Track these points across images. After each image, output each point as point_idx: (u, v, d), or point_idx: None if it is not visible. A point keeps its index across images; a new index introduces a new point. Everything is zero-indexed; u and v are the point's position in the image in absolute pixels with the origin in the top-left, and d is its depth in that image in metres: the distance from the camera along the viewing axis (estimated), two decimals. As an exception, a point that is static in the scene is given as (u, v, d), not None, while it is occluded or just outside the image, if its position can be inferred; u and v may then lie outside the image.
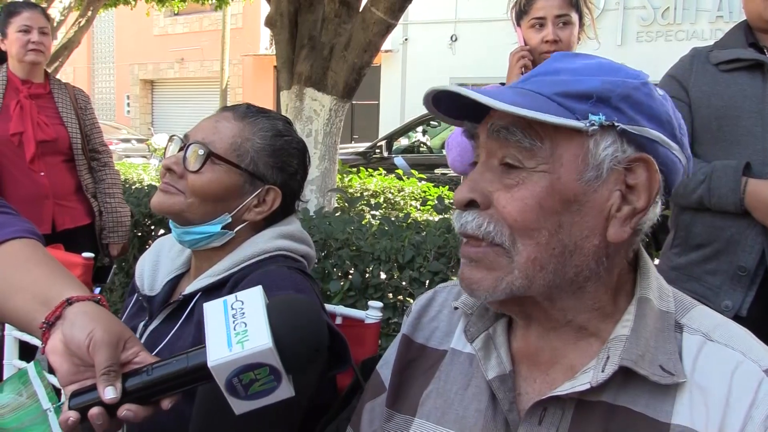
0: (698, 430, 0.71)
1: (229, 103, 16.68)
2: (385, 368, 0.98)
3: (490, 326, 0.87)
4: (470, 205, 0.79)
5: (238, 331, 0.80)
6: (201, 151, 1.16)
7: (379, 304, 1.37)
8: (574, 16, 1.98)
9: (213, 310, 0.85)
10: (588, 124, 0.74)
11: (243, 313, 0.82)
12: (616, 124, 0.75)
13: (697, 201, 1.67)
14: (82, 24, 8.49)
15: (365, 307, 1.39)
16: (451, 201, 4.32)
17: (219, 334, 0.81)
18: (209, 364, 0.78)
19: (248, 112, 1.23)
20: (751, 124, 1.63)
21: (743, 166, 1.60)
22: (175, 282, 1.26)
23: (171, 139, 1.23)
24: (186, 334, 1.13)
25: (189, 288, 1.18)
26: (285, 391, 0.82)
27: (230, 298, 0.86)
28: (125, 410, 0.81)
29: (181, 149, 1.19)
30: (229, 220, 1.20)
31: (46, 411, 1.48)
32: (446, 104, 0.82)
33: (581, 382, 0.75)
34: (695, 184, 1.65)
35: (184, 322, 1.15)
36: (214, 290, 1.15)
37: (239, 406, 0.82)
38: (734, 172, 1.60)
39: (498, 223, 0.77)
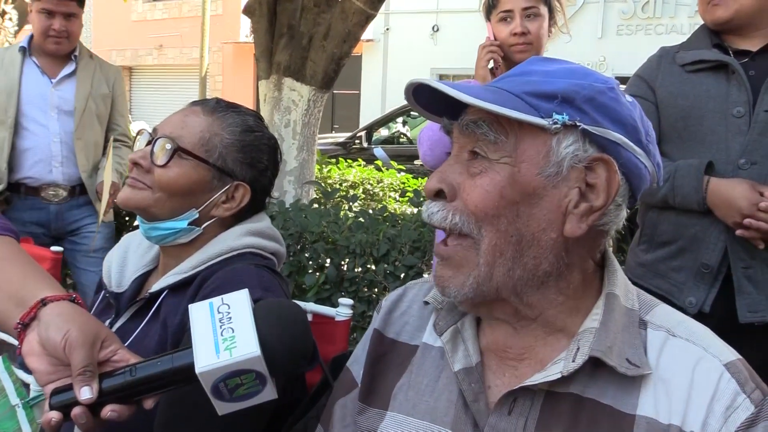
0: (662, 421, 0.74)
1: (208, 91, 16.49)
2: (355, 365, 1.00)
3: (459, 320, 0.90)
4: (438, 195, 0.83)
5: (225, 336, 0.81)
6: (168, 146, 1.15)
7: (350, 301, 1.38)
8: (543, 9, 2.00)
9: (199, 313, 0.85)
10: (551, 123, 0.77)
11: (230, 318, 0.83)
12: (578, 123, 0.78)
13: (662, 199, 1.70)
14: (57, 9, 8.32)
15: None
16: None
17: (206, 340, 0.81)
18: (197, 371, 0.79)
19: (217, 106, 1.22)
20: (715, 123, 1.65)
21: (705, 165, 1.63)
22: (143, 279, 1.26)
23: (140, 132, 1.22)
24: (152, 332, 1.12)
25: (155, 286, 1.17)
26: (269, 393, 0.84)
27: (216, 301, 0.86)
28: (110, 411, 0.81)
29: (149, 143, 1.18)
30: (196, 216, 1.19)
31: (14, 407, 1.47)
32: (426, 98, 0.85)
33: (552, 372, 0.77)
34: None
35: (150, 320, 1.14)
36: (180, 288, 1.15)
37: (223, 408, 0.83)
38: (696, 172, 1.63)
39: (463, 214, 0.80)
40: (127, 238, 1.33)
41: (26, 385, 1.58)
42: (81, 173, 2.81)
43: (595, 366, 0.77)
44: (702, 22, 1.81)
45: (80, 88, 2.85)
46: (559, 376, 0.76)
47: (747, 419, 0.73)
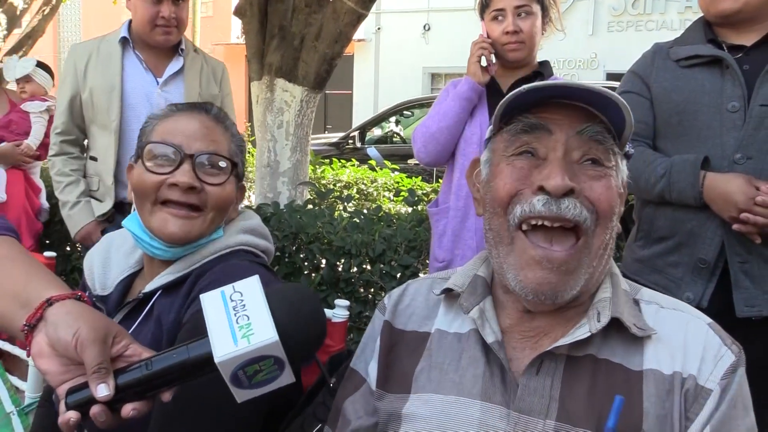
0: (665, 372, 0.88)
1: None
2: (360, 363, 1.05)
3: (481, 301, 0.99)
4: (568, 193, 0.91)
5: (241, 324, 0.81)
6: (223, 164, 1.16)
7: (346, 302, 1.38)
8: (535, 7, 2.00)
9: (211, 302, 0.85)
10: (630, 148, 0.99)
11: (243, 305, 0.83)
12: (631, 151, 0.99)
13: (659, 195, 1.69)
14: (46, 12, 8.25)
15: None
16: (424, 192, 4.32)
17: (222, 328, 0.81)
18: (216, 360, 0.79)
19: (220, 114, 1.23)
20: (710, 118, 1.65)
21: (701, 160, 1.63)
22: (128, 281, 1.24)
23: (143, 146, 1.15)
24: (145, 331, 1.12)
25: (149, 286, 1.16)
26: (287, 378, 0.84)
27: (227, 289, 0.86)
28: (131, 410, 0.81)
29: (181, 162, 1.12)
30: (223, 223, 1.21)
31: (9, 414, 1.45)
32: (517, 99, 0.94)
33: (579, 334, 0.90)
34: (656, 178, 1.68)
35: (143, 320, 1.14)
36: (173, 287, 1.14)
37: (242, 395, 0.84)
38: (692, 167, 1.63)
39: (587, 209, 0.91)
40: (107, 238, 1.31)
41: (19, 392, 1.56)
42: None
43: (606, 331, 0.91)
44: (694, 18, 1.80)
45: (189, 89, 2.46)
46: (588, 334, 0.89)
47: (731, 365, 0.89)
